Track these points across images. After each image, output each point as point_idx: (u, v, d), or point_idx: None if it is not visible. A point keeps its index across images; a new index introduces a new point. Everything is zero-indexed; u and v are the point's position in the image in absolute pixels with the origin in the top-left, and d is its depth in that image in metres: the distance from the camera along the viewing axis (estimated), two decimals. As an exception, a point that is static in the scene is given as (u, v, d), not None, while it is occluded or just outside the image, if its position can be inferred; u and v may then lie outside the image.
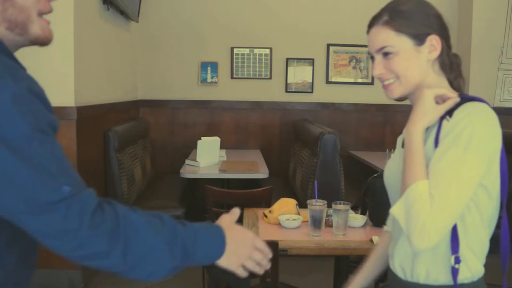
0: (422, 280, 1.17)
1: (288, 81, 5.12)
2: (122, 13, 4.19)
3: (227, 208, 3.23)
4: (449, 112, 1.13)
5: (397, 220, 1.12)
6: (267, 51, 5.08)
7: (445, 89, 1.17)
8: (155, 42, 5.03)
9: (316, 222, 2.13)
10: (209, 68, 5.06)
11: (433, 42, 1.18)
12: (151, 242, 0.91)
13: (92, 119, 3.51)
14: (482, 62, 4.88)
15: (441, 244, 1.11)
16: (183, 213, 3.92)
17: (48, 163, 0.82)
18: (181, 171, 3.79)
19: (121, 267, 0.94)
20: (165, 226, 0.94)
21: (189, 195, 4.42)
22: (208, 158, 3.99)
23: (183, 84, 5.07)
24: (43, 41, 0.95)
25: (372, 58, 1.23)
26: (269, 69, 5.09)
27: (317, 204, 2.13)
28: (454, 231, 1.11)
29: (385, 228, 1.44)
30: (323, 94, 5.16)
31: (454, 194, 1.04)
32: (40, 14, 0.93)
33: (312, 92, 5.15)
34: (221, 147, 4.21)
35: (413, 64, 1.18)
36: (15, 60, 0.90)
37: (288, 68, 5.10)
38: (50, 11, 0.94)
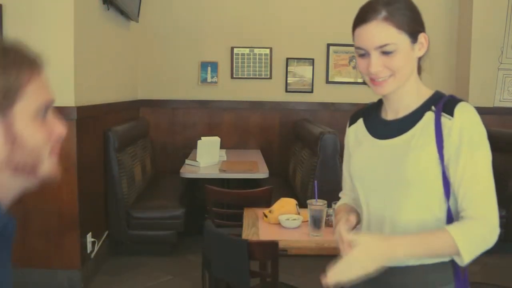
0: (412, 261, 1.20)
1: (288, 81, 5.12)
2: (122, 13, 4.19)
3: (227, 208, 3.23)
4: (444, 109, 1.18)
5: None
6: (267, 51, 5.08)
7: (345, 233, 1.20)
8: (155, 42, 5.03)
9: (316, 222, 2.13)
10: (209, 68, 5.06)
11: (422, 40, 1.20)
12: None
13: (92, 119, 3.51)
14: (482, 62, 4.88)
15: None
16: (183, 213, 3.92)
17: None
18: (181, 171, 3.79)
19: None
20: None
21: (189, 195, 4.42)
22: (208, 158, 3.99)
23: (183, 84, 5.07)
24: (48, 180, 0.82)
25: (363, 54, 1.20)
26: (269, 69, 5.09)
27: (317, 204, 2.13)
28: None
29: (346, 201, 1.46)
30: (323, 94, 5.16)
31: (493, 197, 1.15)
32: (53, 150, 0.80)
33: (312, 92, 5.15)
34: (221, 147, 4.21)
35: (408, 61, 1.19)
36: None
37: (288, 68, 5.10)
38: (62, 137, 0.82)
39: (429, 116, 1.20)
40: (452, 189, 1.17)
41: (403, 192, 1.20)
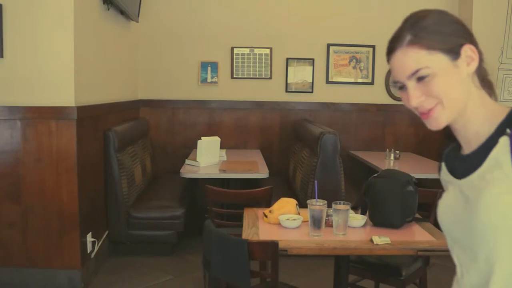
0: None
1: (288, 81, 5.12)
2: (122, 13, 4.19)
3: (227, 208, 3.23)
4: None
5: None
6: (267, 51, 5.08)
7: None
8: (155, 42, 5.03)
9: (316, 222, 2.13)
10: (209, 68, 5.06)
11: (469, 53, 1.02)
12: None
13: (92, 119, 3.51)
14: (482, 62, 4.88)
15: None
16: (183, 213, 3.92)
17: None
18: (181, 171, 3.79)
19: None
20: None
21: (189, 195, 4.42)
22: (208, 158, 3.99)
23: (183, 84, 5.07)
24: None
25: (401, 87, 1.05)
26: (269, 69, 5.09)
27: (317, 204, 2.13)
28: None
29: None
30: (323, 94, 5.16)
31: None
32: None
33: (312, 92, 5.15)
34: (221, 147, 4.21)
35: (455, 83, 1.01)
36: None
37: (288, 68, 5.10)
38: None
39: (505, 142, 0.97)
40: None
41: (478, 245, 0.97)
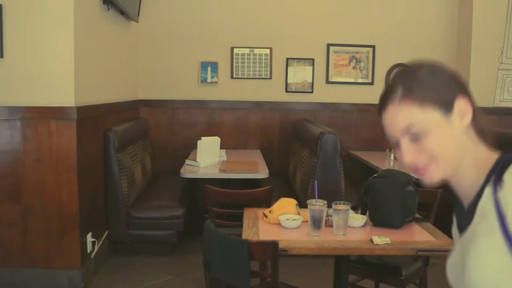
0: None
1: (288, 81, 5.12)
2: (122, 13, 4.19)
3: (227, 208, 3.23)
4: (499, 176, 0.92)
5: None
6: (267, 51, 5.08)
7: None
8: (155, 42, 5.03)
9: (316, 222, 2.13)
10: (209, 68, 5.06)
11: (462, 106, 0.97)
12: None
13: (92, 119, 3.51)
14: (482, 62, 4.88)
15: None
16: (183, 213, 3.92)
17: None
18: (181, 171, 3.79)
19: None
20: None
21: (189, 195, 4.42)
22: (208, 158, 3.99)
23: (183, 84, 5.07)
24: None
25: (397, 143, 1.01)
26: (269, 69, 5.09)
27: (317, 204, 2.13)
28: None
29: None
30: (323, 94, 5.16)
31: None
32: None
33: (312, 92, 5.15)
34: (221, 147, 4.21)
35: (448, 139, 0.97)
36: None
37: (288, 68, 5.10)
38: None
39: (489, 191, 0.92)
40: None
41: None
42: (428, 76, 0.98)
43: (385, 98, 1.01)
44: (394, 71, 1.01)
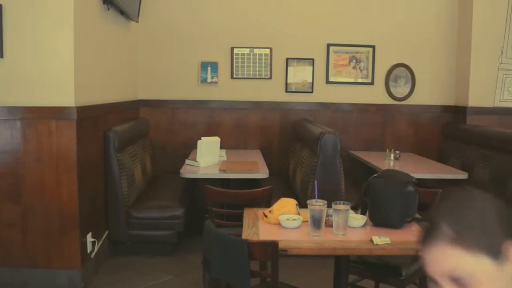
0: None
1: (288, 81, 5.12)
2: (122, 13, 4.19)
3: (227, 208, 3.23)
4: None
5: None
6: (267, 51, 5.08)
7: None
8: (155, 42, 5.03)
9: (316, 222, 2.13)
10: (209, 68, 5.06)
11: (511, 252, 0.90)
12: None
13: (92, 119, 3.51)
14: (482, 62, 4.88)
15: None
16: (183, 213, 3.92)
17: None
18: (181, 171, 3.79)
19: None
20: None
21: (189, 195, 4.42)
22: (208, 158, 3.99)
23: (183, 84, 5.07)
24: None
25: (435, 282, 0.94)
26: (269, 69, 5.09)
27: (317, 204, 2.13)
28: None
29: None
30: (323, 94, 5.16)
31: None
32: None
33: (312, 92, 5.15)
34: (221, 147, 4.21)
35: (495, 287, 0.90)
36: None
37: (288, 68, 5.10)
38: None
39: None
40: None
41: None
42: (479, 220, 0.91)
43: (430, 236, 0.94)
44: (439, 206, 0.95)
